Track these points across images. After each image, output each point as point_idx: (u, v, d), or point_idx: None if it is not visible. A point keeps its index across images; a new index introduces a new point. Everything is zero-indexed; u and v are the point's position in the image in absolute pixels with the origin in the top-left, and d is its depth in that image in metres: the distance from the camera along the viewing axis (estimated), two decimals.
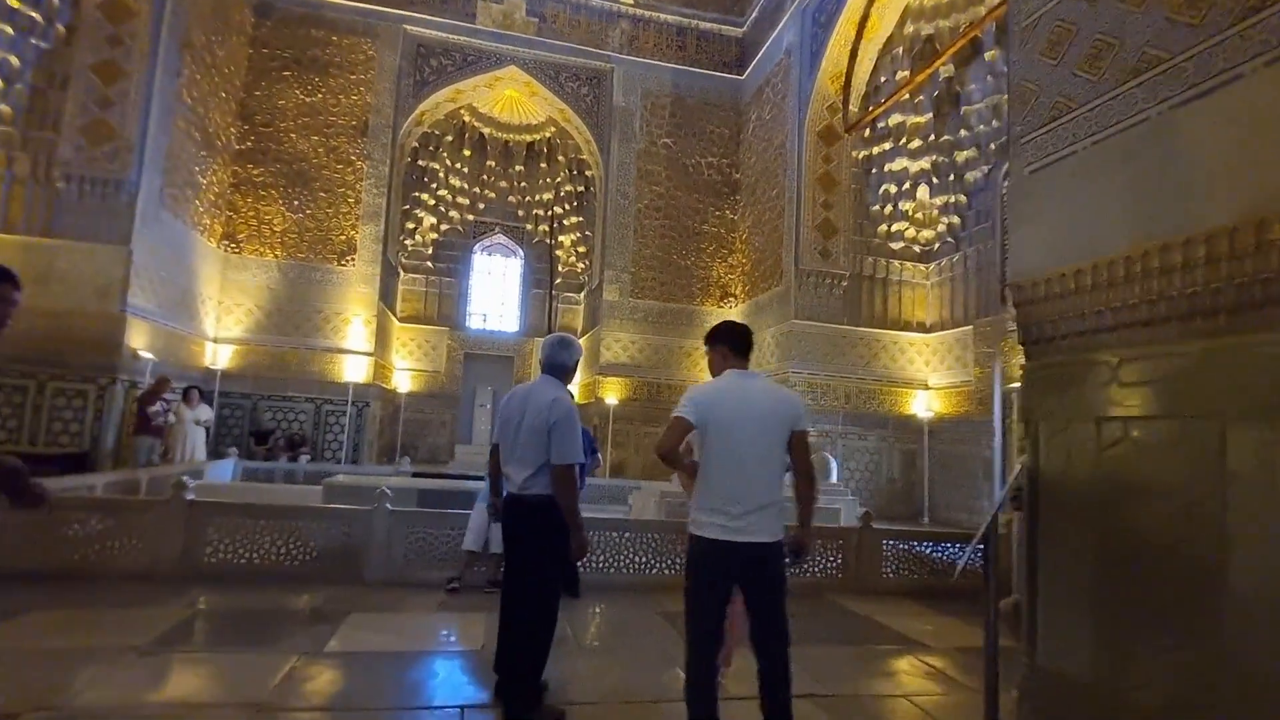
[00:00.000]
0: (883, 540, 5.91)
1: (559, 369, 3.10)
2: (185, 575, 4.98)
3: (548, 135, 14.60)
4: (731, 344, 2.75)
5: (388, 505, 5.48)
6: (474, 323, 15.84)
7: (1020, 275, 3.20)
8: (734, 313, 13.03)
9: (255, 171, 11.93)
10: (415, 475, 9.25)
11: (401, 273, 14.59)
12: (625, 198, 13.04)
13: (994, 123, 10.14)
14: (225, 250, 11.65)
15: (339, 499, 6.35)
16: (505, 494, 3.01)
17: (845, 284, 10.86)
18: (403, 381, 14.54)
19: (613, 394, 12.42)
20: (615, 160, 13.08)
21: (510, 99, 14.02)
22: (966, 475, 9.93)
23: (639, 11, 13.80)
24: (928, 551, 5.99)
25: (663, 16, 13.88)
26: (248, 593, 4.71)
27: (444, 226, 14.59)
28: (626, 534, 5.56)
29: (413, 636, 4.03)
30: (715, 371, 2.75)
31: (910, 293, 11.17)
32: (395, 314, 14.40)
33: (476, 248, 15.56)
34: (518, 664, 2.87)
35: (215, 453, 10.39)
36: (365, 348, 12.15)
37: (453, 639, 4.07)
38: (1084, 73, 3.01)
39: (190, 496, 5.36)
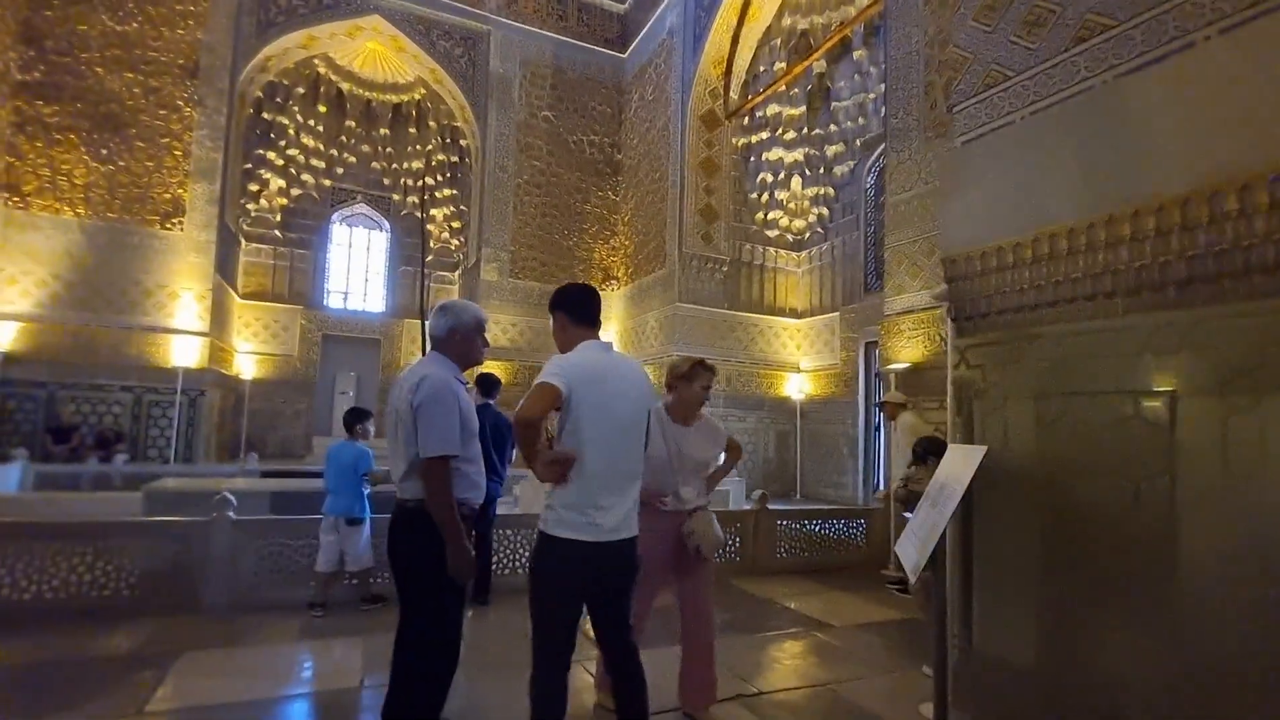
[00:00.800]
0: (777, 521, 5.83)
1: (436, 341, 2.49)
2: None
3: (417, 97, 13.30)
4: (570, 311, 2.33)
5: (230, 514, 4.52)
6: (333, 301, 14.18)
7: (952, 249, 3.06)
8: (617, 295, 12.68)
9: (47, 110, 9.72)
10: (265, 475, 7.96)
11: (244, 242, 12.70)
12: (504, 171, 12.19)
13: (860, 120, 10.52)
14: (4, 204, 9.40)
15: (166, 509, 5.20)
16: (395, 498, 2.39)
17: (726, 269, 10.85)
18: (247, 366, 12.71)
19: None
20: (493, 130, 12.17)
21: (373, 53, 12.58)
22: (833, 452, 10.33)
23: None
24: (817, 529, 6.01)
25: None
26: (39, 638, 3.58)
27: (295, 192, 12.86)
28: (523, 531, 4.99)
29: (269, 677, 3.19)
30: (561, 344, 2.33)
31: (784, 279, 11.40)
32: (237, 289, 12.52)
33: (335, 218, 13.90)
34: (408, 709, 2.28)
35: None
36: (198, 327, 10.39)
37: (321, 675, 3.30)
38: (1021, 40, 2.88)
39: None
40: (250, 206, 12.42)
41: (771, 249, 11.31)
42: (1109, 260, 2.45)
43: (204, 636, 3.73)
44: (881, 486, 6.87)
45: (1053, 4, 2.80)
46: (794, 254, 11.44)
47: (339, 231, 14.13)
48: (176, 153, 10.31)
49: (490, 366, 11.63)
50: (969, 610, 2.86)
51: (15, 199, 9.50)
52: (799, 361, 11.15)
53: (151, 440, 10.03)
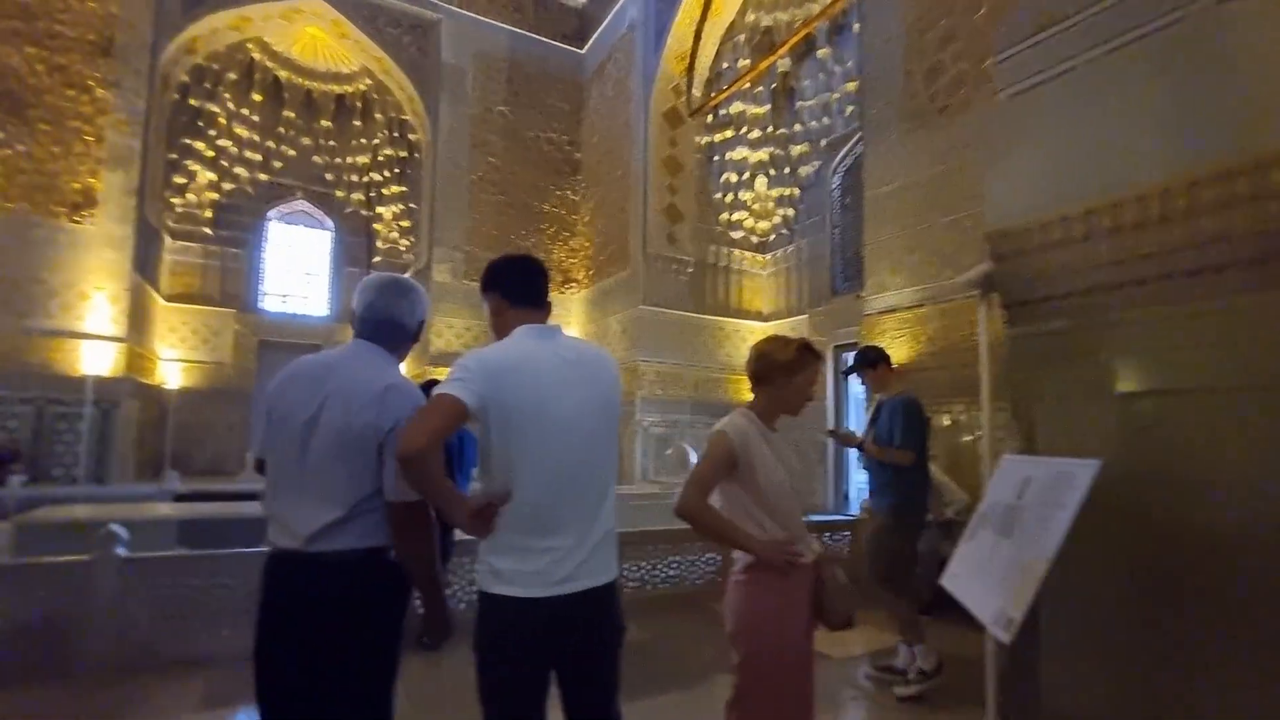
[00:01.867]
0: None
1: (392, 332, 1.81)
2: None
3: (362, 88, 12.36)
4: (507, 290, 1.76)
5: (119, 550, 3.67)
6: (271, 304, 13.01)
7: (1002, 221, 2.55)
8: (578, 298, 12.00)
9: None
10: (179, 498, 6.92)
11: (169, 239, 11.49)
12: (458, 167, 11.38)
13: (824, 119, 10.18)
14: None
15: (42, 544, 4.26)
16: (274, 551, 1.67)
17: (691, 270, 10.33)
18: (172, 375, 11.48)
19: None
20: (445, 124, 11.36)
21: (313, 39, 11.60)
22: (801, 459, 9.87)
23: None
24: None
25: None
26: None
27: (228, 186, 11.72)
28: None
29: None
30: (498, 332, 1.76)
31: (750, 282, 10.95)
32: (160, 290, 11.30)
33: (272, 215, 12.77)
34: None
35: None
36: (113, 331, 9.22)
37: None
38: None
39: None
40: (175, 201, 11.24)
41: (737, 250, 10.85)
42: (1219, 226, 1.95)
43: (78, 710, 2.90)
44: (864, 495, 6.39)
45: None
46: (759, 256, 11.00)
47: (277, 229, 13.00)
48: (87, 138, 9.16)
49: (444, 374, 10.79)
50: (1034, 662, 2.33)
51: None
52: None
53: (57, 458, 8.81)
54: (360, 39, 11.30)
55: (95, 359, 9.07)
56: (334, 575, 1.58)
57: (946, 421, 5.41)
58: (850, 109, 9.52)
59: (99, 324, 9.17)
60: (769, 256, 11.00)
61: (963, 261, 5.46)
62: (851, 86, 9.59)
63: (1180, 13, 2.07)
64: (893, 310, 5.99)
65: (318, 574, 1.58)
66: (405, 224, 12.78)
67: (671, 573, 5.34)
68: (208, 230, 11.83)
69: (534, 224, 12.05)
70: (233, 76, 11.29)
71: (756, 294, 10.97)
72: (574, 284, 12.15)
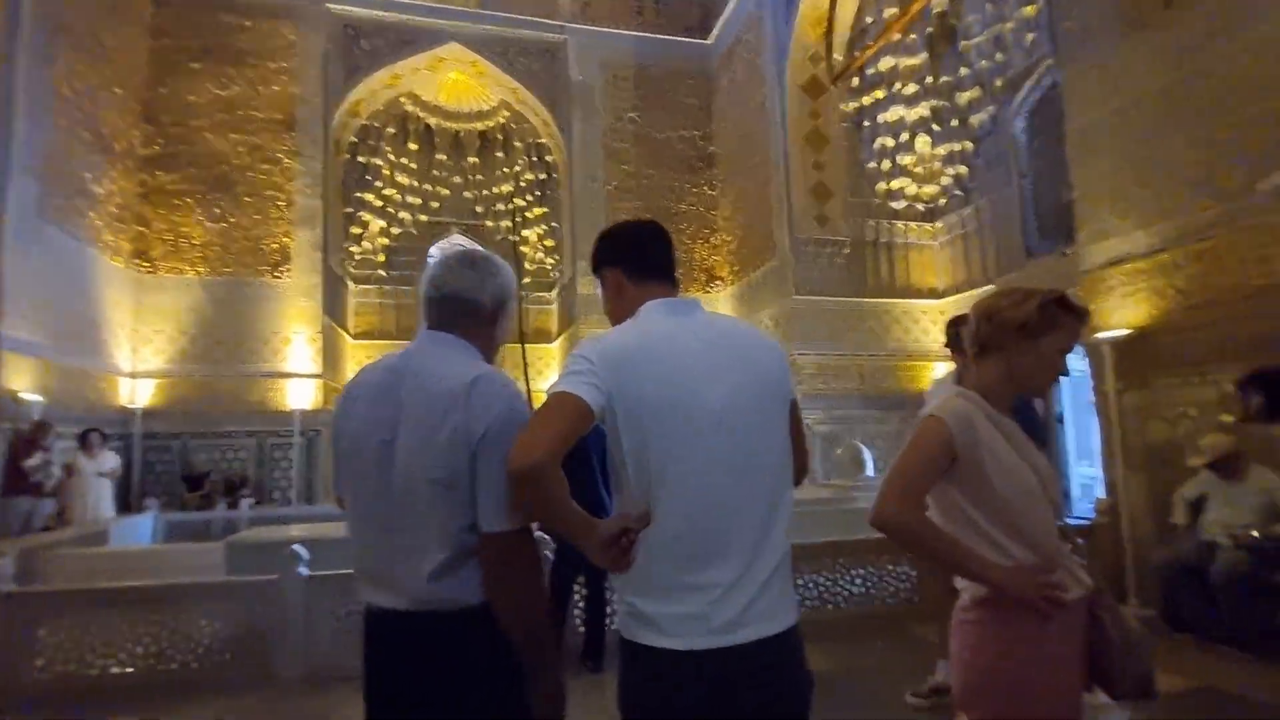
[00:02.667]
0: None
1: (464, 312, 1.40)
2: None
3: (501, 120, 12.92)
4: (628, 263, 1.38)
5: (301, 570, 3.81)
6: None
7: None
8: (723, 296, 11.47)
9: (167, 179, 10.11)
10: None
11: (352, 284, 12.80)
12: (593, 180, 11.43)
13: (998, 56, 8.68)
14: (137, 270, 9.81)
15: (246, 564, 4.61)
16: (371, 610, 1.34)
17: (847, 252, 9.35)
18: None
19: None
20: (578, 140, 11.47)
21: (456, 83, 12.34)
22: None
23: None
24: None
25: None
26: None
27: (395, 230, 12.81)
28: None
29: None
30: (617, 318, 1.36)
31: (919, 255, 9.70)
32: (348, 330, 12.60)
33: (433, 250, 13.77)
34: None
35: (133, 506, 8.57)
36: (311, 369, 10.36)
37: None
38: None
39: (4, 587, 3.66)
40: (354, 249, 12.48)
41: (900, 223, 9.66)
42: None
43: (279, 713, 2.99)
44: (1102, 493, 5.13)
45: None
46: (928, 225, 9.71)
47: None
48: (280, 204, 10.42)
49: None
50: None
51: (146, 264, 9.89)
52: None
53: (275, 483, 10.04)
54: (496, 74, 11.81)
55: (299, 394, 10.23)
56: (451, 637, 1.24)
57: (1213, 396, 4.10)
58: (1031, 37, 8.04)
59: (300, 363, 10.34)
60: (939, 224, 9.67)
61: (1220, 184, 4.14)
62: (1030, 11, 8.10)
63: None
64: (1121, 261, 4.73)
65: (430, 637, 1.24)
66: (549, 243, 13.12)
67: (856, 590, 4.61)
68: (382, 272, 13.00)
69: (672, 225, 11.60)
70: (391, 130, 12.34)
71: (927, 268, 9.68)
72: (719, 281, 11.64)
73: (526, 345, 10.37)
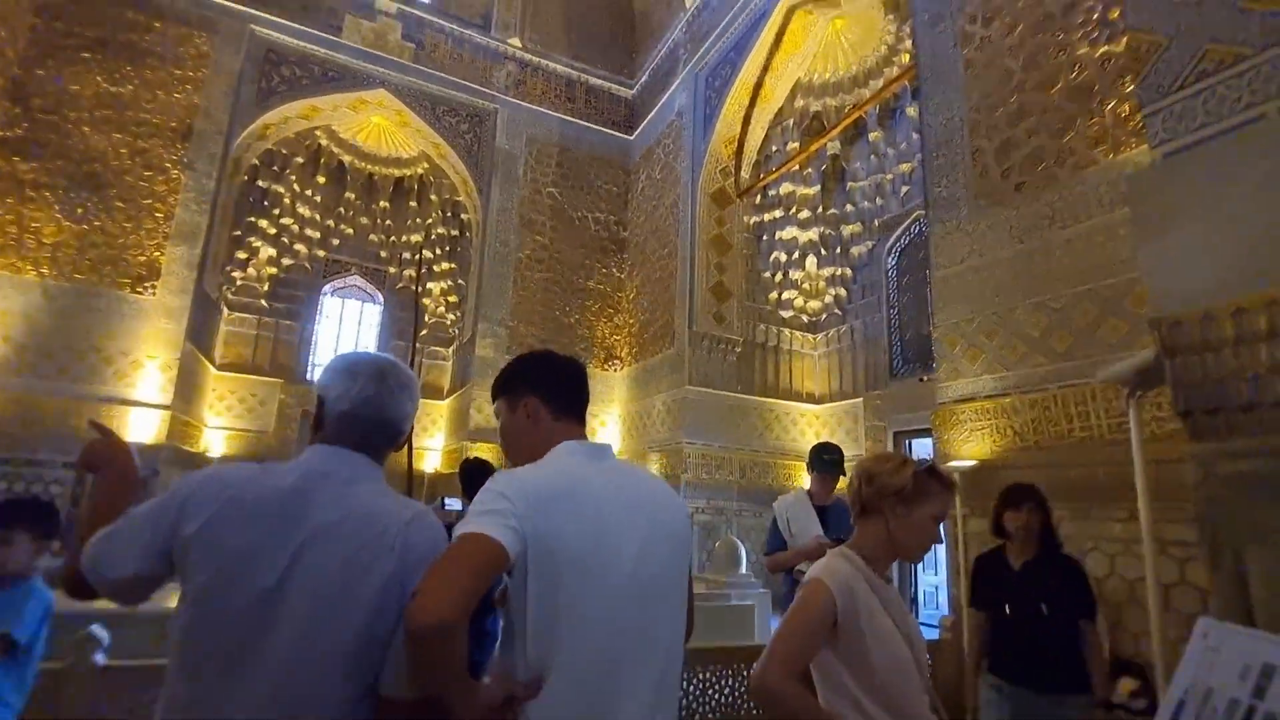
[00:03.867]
0: None
1: (387, 438, 1.24)
2: None
3: (420, 171, 12.70)
4: (548, 393, 1.32)
5: (98, 658, 3.16)
6: (318, 375, 13.00)
7: (1173, 305, 1.96)
8: (620, 376, 11.58)
9: (24, 167, 8.90)
10: None
11: (226, 310, 11.67)
12: (506, 245, 11.37)
13: (877, 200, 9.86)
14: None
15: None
16: None
17: (739, 350, 9.82)
18: (216, 443, 11.37)
19: None
20: (496, 205, 11.45)
21: (378, 127, 12.05)
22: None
23: (527, 56, 12.63)
24: None
25: (552, 65, 12.80)
26: None
27: (287, 261, 11.97)
28: None
29: None
30: (527, 448, 1.27)
31: (800, 363, 10.37)
32: (213, 359, 11.38)
33: (327, 289, 12.97)
34: None
35: None
36: (160, 399, 9.16)
37: None
38: (1258, 3, 1.90)
39: None
40: (236, 274, 11.48)
41: (786, 330, 10.34)
42: None
43: None
44: (945, 611, 5.49)
45: None
46: (810, 335, 10.46)
47: (330, 304, 13.16)
48: (158, 215, 9.45)
49: (483, 449, 10.35)
50: None
51: None
52: None
53: None
54: (421, 127, 11.67)
55: (140, 426, 8.96)
56: None
57: None
58: (905, 189, 9.16)
59: (148, 392, 9.12)
60: (820, 336, 10.45)
61: (1052, 346, 4.81)
62: (906, 168, 9.27)
63: None
64: (970, 399, 5.30)
65: None
66: (452, 299, 12.77)
67: (723, 699, 4.51)
68: (264, 303, 12.00)
69: (578, 301, 11.84)
70: (300, 160, 11.73)
71: (807, 375, 10.35)
72: (617, 361, 11.77)
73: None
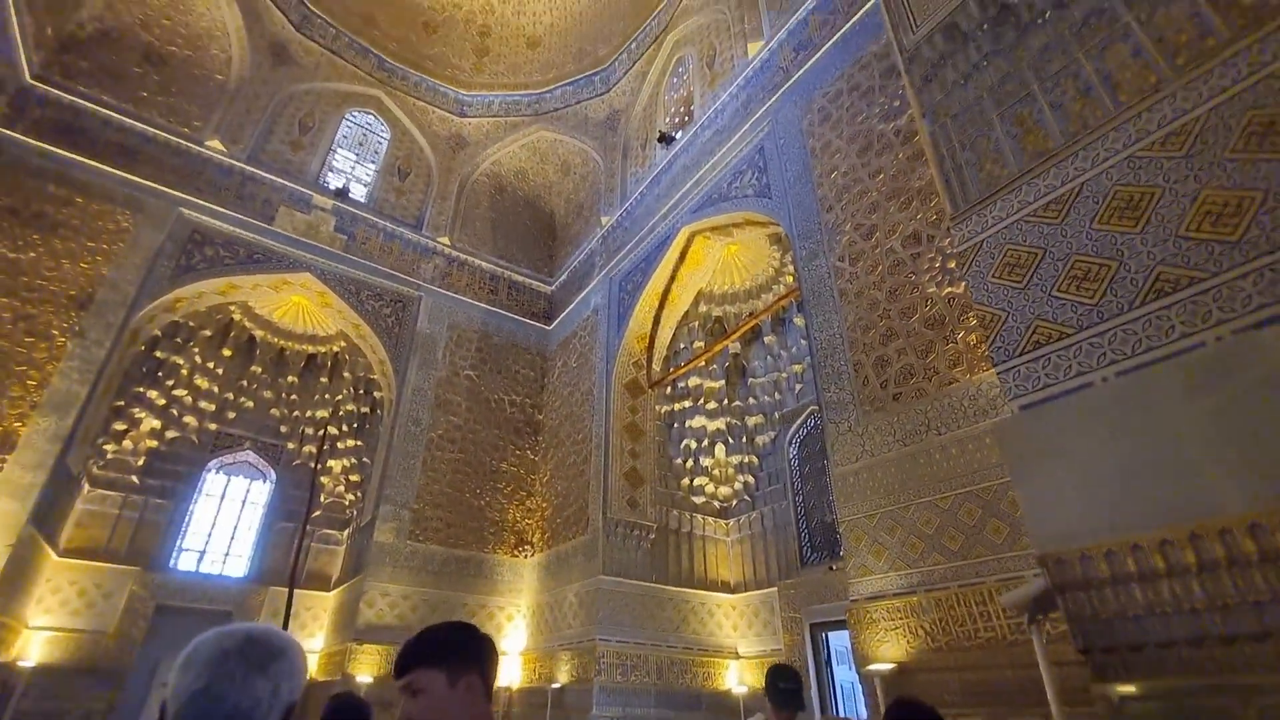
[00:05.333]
0: None
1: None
2: None
3: (335, 349, 12.52)
4: (489, 673, 1.34)
5: None
6: (185, 562, 11.33)
7: (1054, 543, 2.21)
8: (530, 563, 10.92)
9: None
10: None
11: (88, 487, 10.27)
12: (417, 425, 11.08)
13: (776, 395, 10.67)
14: None
15: None
16: None
17: (653, 537, 9.66)
18: (34, 648, 9.30)
19: (368, 669, 8.95)
20: (412, 384, 11.35)
21: (298, 306, 12.01)
22: None
23: (454, 253, 13.43)
24: None
25: (477, 261, 13.63)
26: None
27: (171, 434, 10.97)
28: None
29: None
30: None
31: (714, 549, 10.29)
32: (58, 544, 9.74)
33: (213, 464, 11.81)
34: None
35: None
36: None
37: None
38: (1070, 295, 2.43)
39: None
40: (109, 447, 10.32)
41: (699, 516, 10.38)
42: None
43: None
44: None
45: (1100, 260, 2.34)
46: (722, 521, 10.53)
47: (214, 480, 11.93)
48: (30, 382, 8.59)
49: (367, 652, 9.11)
50: None
51: None
52: (736, 645, 9.49)
53: None
54: (343, 308, 11.76)
55: None
56: None
57: None
58: (800, 387, 10.02)
59: None
60: (732, 522, 10.54)
61: (946, 544, 5.12)
62: (798, 369, 10.23)
63: (1195, 337, 2.03)
64: (880, 597, 5.42)
65: None
66: (354, 478, 11.98)
67: None
68: (134, 479, 10.71)
69: (490, 482, 11.45)
70: (207, 333, 11.31)
71: (721, 562, 10.23)
72: (528, 546, 11.16)
73: (296, 590, 8.68)
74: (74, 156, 9.88)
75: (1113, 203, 2.50)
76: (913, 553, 5.32)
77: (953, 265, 6.10)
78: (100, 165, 10.03)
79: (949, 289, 6.02)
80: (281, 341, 12.27)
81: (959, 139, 3.68)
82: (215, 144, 11.31)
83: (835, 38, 8.30)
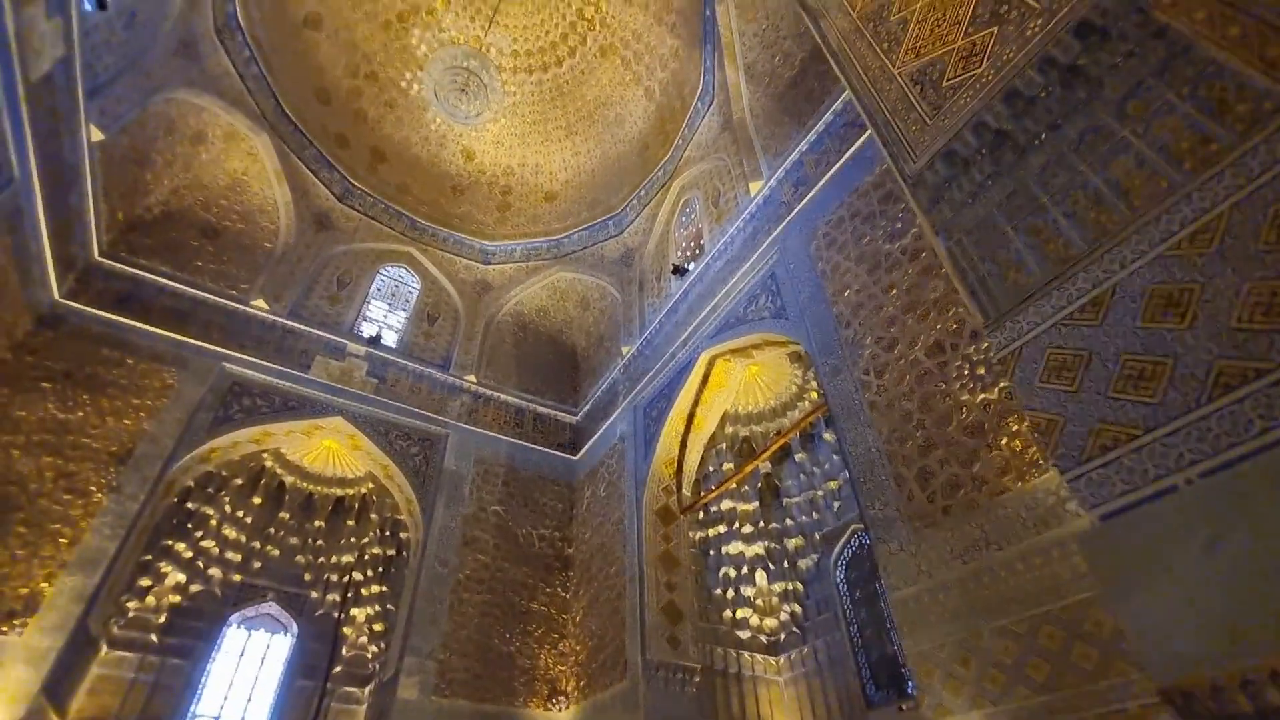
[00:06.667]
0: None
1: None
2: None
3: (364, 491, 12.42)
4: None
5: None
6: None
7: (1176, 668, 1.97)
8: (565, 717, 9.97)
9: None
10: None
11: (105, 649, 9.80)
12: (445, 565, 10.69)
13: (814, 514, 10.24)
14: None
15: None
16: None
17: (698, 680, 8.85)
18: None
19: None
20: (439, 522, 11.10)
21: (328, 449, 12.10)
22: None
23: (480, 389, 13.70)
24: None
25: (503, 396, 13.85)
26: None
27: (195, 588, 10.63)
28: None
29: None
30: None
31: (766, 691, 9.37)
32: (67, 713, 9.10)
33: (234, 619, 11.29)
34: None
35: None
36: None
37: None
38: (1128, 395, 2.37)
39: None
40: (131, 604, 9.98)
41: (746, 653, 9.56)
42: None
43: None
44: None
45: (1152, 358, 2.30)
46: (772, 659, 9.67)
47: (234, 637, 11.34)
48: (62, 540, 8.54)
49: None
50: None
51: None
52: None
53: None
54: (372, 450, 11.83)
55: None
56: None
57: None
58: (838, 504, 9.63)
59: None
60: (783, 659, 9.68)
61: (1030, 675, 4.60)
62: (833, 485, 9.90)
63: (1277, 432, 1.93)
64: None
65: None
66: (378, 627, 11.34)
67: None
68: (154, 637, 10.22)
69: (520, 625, 10.78)
70: (239, 482, 11.34)
71: (776, 706, 9.26)
72: (562, 697, 10.25)
73: None
74: (130, 322, 10.52)
75: (1152, 301, 2.50)
76: (994, 687, 4.78)
77: (982, 371, 6.06)
78: (153, 329, 10.65)
79: (983, 395, 5.93)
80: (310, 486, 12.24)
81: (977, 252, 3.81)
82: (260, 303, 12.05)
83: (830, 173, 8.91)
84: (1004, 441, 5.59)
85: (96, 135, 9.61)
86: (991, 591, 5.08)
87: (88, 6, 8.42)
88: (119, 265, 11.01)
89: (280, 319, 12.10)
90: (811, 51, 10.60)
